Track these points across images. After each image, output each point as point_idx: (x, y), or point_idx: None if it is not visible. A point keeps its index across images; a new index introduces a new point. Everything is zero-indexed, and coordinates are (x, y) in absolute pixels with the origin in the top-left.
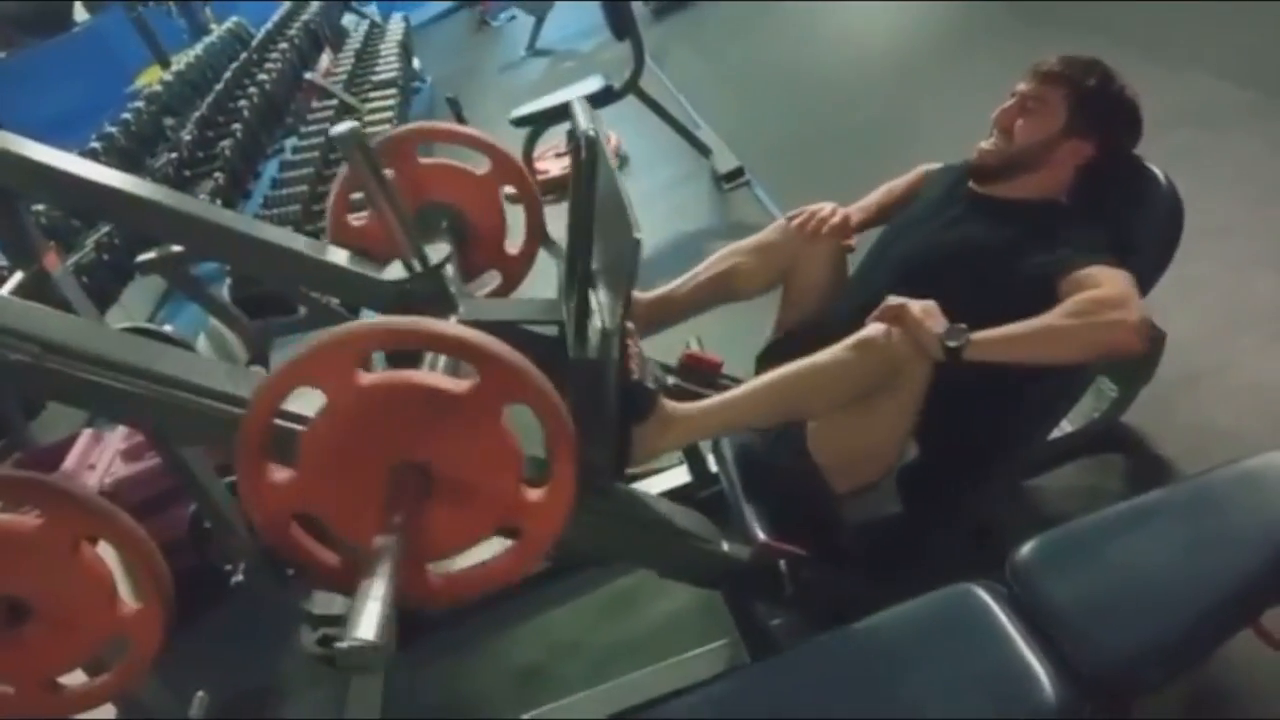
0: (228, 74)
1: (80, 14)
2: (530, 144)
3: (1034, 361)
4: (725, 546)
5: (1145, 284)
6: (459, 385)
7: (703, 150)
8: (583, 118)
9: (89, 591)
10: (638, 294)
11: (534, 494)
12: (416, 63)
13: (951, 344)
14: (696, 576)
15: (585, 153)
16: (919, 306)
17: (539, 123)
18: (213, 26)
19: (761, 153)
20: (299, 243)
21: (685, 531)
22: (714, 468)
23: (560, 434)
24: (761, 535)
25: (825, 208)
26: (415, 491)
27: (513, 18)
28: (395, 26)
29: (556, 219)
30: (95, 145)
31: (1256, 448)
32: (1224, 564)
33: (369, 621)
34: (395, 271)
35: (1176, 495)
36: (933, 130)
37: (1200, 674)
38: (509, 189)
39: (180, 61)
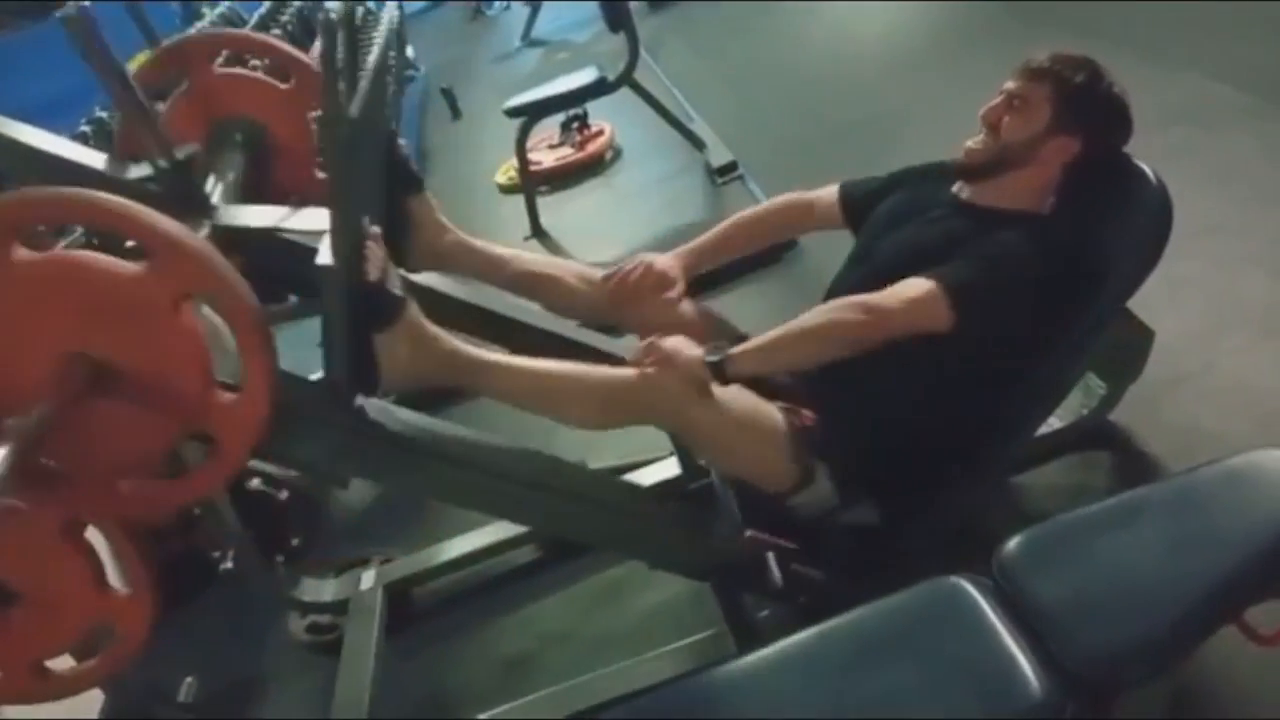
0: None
1: None
2: (524, 134)
3: (797, 361)
4: (713, 539)
5: (1134, 282)
6: (128, 267)
7: (697, 144)
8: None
9: (76, 577)
10: (464, 237)
11: (226, 396)
12: (410, 51)
13: (711, 359)
14: (684, 567)
15: (338, 33)
16: (669, 343)
17: (533, 113)
18: (205, 11)
19: (756, 147)
20: (60, 148)
21: (486, 468)
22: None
23: (246, 327)
24: (748, 528)
25: (638, 267)
26: (76, 383)
27: (507, 7)
28: (389, 14)
29: (549, 210)
30: (85, 129)
31: (1242, 447)
32: (1208, 561)
33: None
34: (140, 169)
35: (1162, 492)
36: (928, 127)
37: (1184, 668)
38: None
39: None
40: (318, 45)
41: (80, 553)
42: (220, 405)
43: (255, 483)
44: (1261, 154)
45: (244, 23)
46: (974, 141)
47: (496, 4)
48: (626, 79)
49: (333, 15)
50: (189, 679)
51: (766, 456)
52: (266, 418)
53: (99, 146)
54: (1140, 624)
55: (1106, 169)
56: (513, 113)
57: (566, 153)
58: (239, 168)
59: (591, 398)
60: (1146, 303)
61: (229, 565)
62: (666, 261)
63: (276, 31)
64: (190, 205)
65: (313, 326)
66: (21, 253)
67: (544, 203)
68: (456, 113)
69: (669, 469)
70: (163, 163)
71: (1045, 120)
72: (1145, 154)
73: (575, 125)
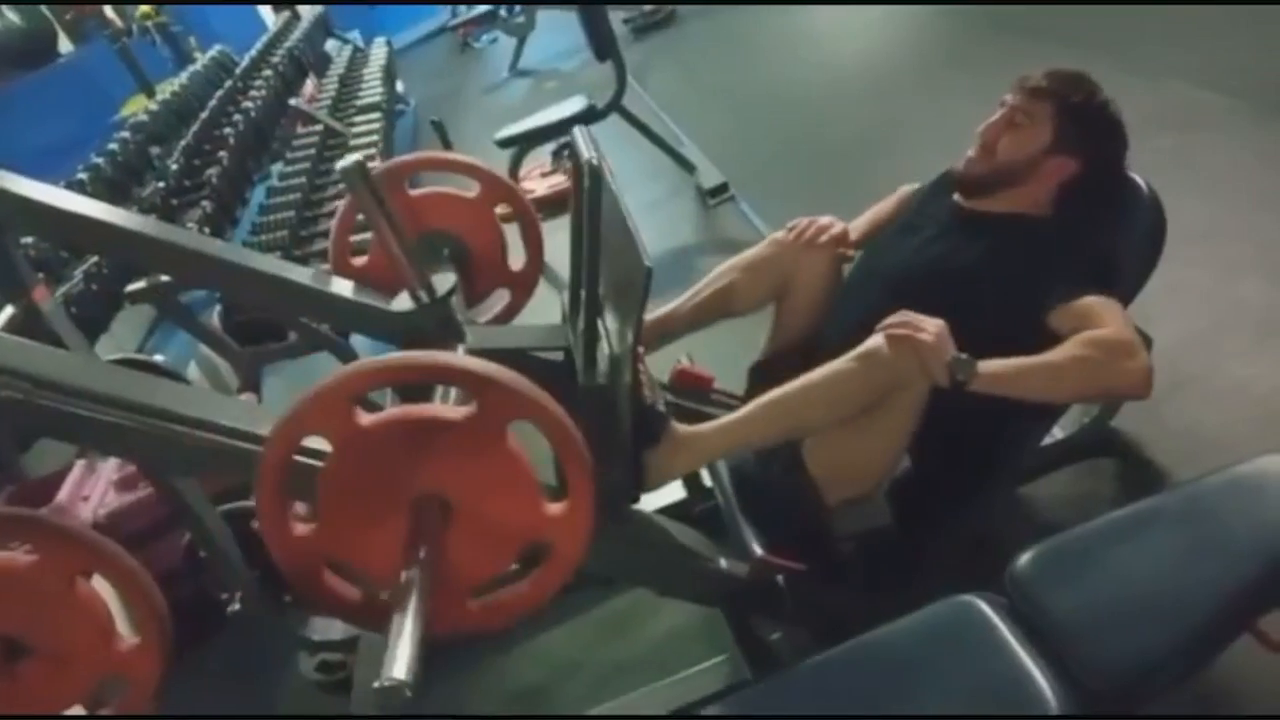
0: (213, 102)
1: (65, 45)
2: (516, 164)
3: (1034, 397)
4: (723, 563)
5: (1131, 291)
6: (457, 412)
7: (687, 167)
8: (584, 146)
9: (86, 628)
10: (652, 316)
11: (555, 508)
12: (400, 86)
13: (959, 377)
14: (696, 594)
15: (589, 180)
16: (933, 330)
17: (524, 144)
18: (196, 55)
19: (746, 168)
20: (299, 274)
21: (691, 552)
22: (709, 483)
23: (569, 447)
24: (758, 550)
25: (825, 218)
26: (435, 523)
27: (494, 40)
28: (378, 51)
29: (544, 237)
30: (82, 176)
31: (1244, 450)
32: (1221, 569)
33: (402, 661)
34: (403, 303)
35: (1171, 502)
36: (913, 140)
37: (1198, 676)
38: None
39: (165, 90)
40: (310, 84)
41: (91, 605)
42: (551, 517)
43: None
44: (1249, 158)
45: (236, 65)
46: (973, 151)
47: (483, 36)
48: (615, 106)
49: (596, 161)
50: None
51: (888, 457)
52: (593, 522)
53: (96, 193)
54: (1156, 636)
55: (1100, 180)
56: (504, 143)
57: (559, 180)
58: (455, 282)
59: (839, 397)
60: (1144, 309)
61: (237, 607)
62: (845, 225)
63: (268, 72)
64: (447, 332)
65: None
66: (364, 417)
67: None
68: (447, 144)
69: (674, 492)
70: (424, 296)
71: (1046, 139)
72: (1133, 162)
73: (566, 153)
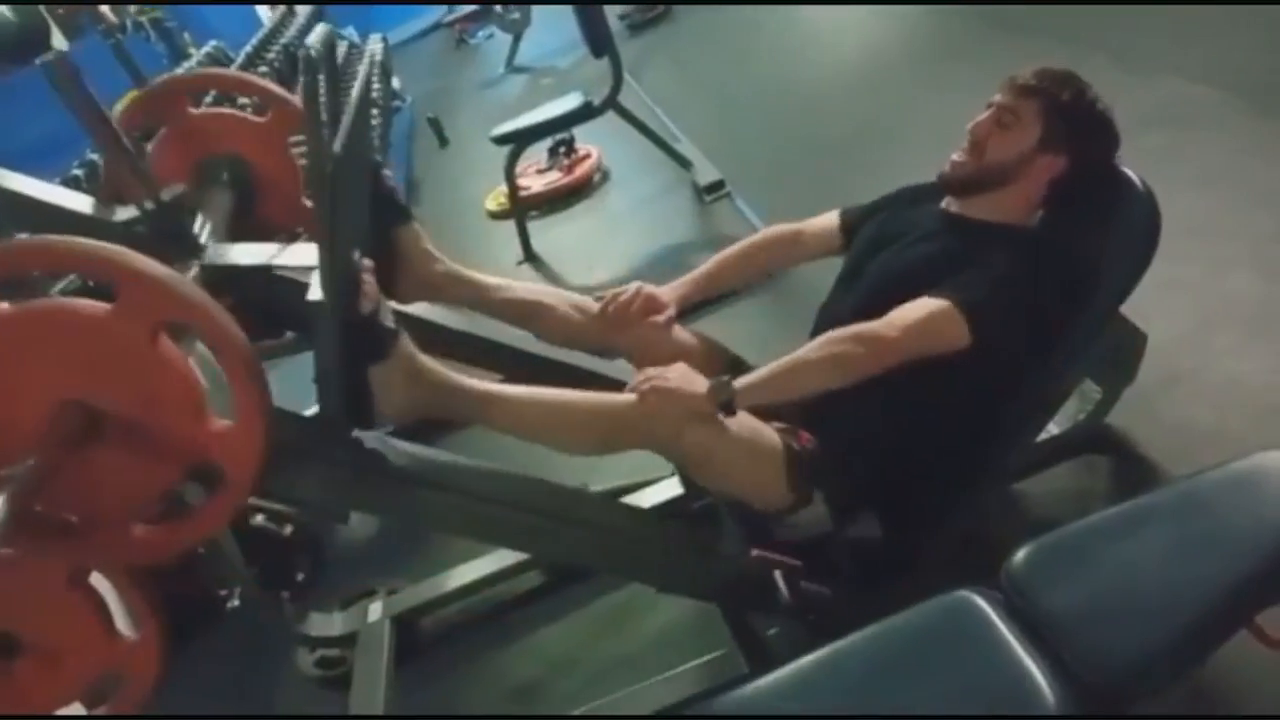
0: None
1: (59, 41)
2: (512, 161)
3: (800, 393)
4: (719, 559)
5: (1125, 288)
6: (98, 307)
7: (683, 163)
8: (312, 38)
9: (82, 625)
10: (454, 267)
11: (220, 424)
12: (396, 82)
13: (723, 399)
14: (691, 589)
15: (319, 69)
16: (673, 374)
17: (520, 140)
18: (191, 51)
19: (742, 164)
20: (35, 189)
21: (485, 492)
22: None
23: (230, 355)
24: (753, 547)
25: (628, 292)
26: (70, 431)
27: (490, 36)
28: (374, 47)
29: (540, 234)
30: (77, 173)
31: (1238, 445)
32: (1219, 566)
33: None
34: (126, 211)
35: (1168, 498)
36: (911, 138)
37: (1194, 673)
38: None
39: None
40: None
41: (88, 601)
42: (217, 435)
43: (259, 519)
44: (1243, 155)
45: (230, 61)
46: (959, 154)
47: (479, 33)
48: (611, 103)
49: (314, 51)
50: None
51: (764, 479)
52: (265, 441)
53: (91, 189)
54: (1153, 632)
55: (1093, 178)
56: (500, 140)
57: (555, 177)
58: (226, 205)
59: (591, 426)
60: (1137, 306)
61: (236, 603)
62: (658, 289)
63: (263, 69)
64: (179, 246)
65: (309, 361)
66: None
67: (534, 227)
68: (444, 141)
69: (671, 489)
70: (149, 204)
71: (1035, 138)
72: (1128, 158)
73: (562, 150)
